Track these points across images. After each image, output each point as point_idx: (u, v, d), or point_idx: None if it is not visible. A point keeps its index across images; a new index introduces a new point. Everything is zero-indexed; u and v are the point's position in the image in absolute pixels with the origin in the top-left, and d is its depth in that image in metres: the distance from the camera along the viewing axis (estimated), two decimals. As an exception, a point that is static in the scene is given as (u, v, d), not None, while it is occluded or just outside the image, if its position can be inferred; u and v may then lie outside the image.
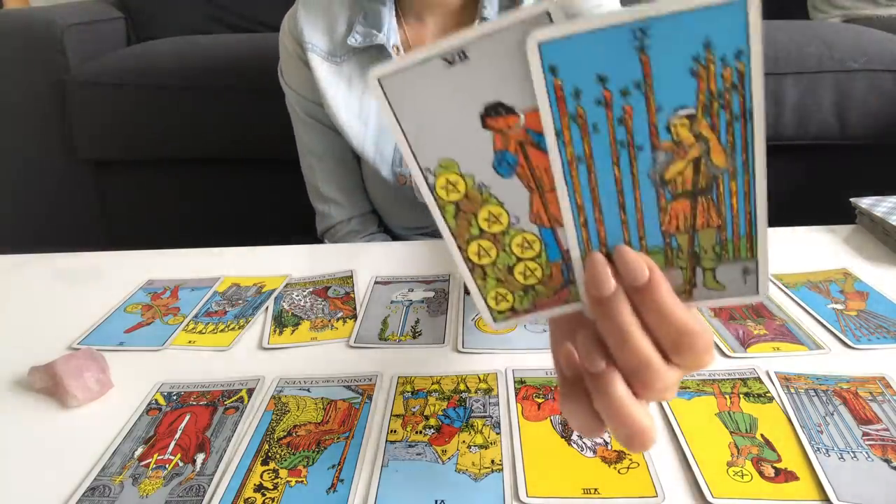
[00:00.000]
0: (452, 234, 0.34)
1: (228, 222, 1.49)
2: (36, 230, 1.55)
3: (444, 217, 0.33)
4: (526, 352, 0.53)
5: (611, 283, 0.31)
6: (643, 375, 0.30)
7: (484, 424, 0.45)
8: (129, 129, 1.41)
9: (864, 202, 0.73)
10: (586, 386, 0.32)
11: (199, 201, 1.51)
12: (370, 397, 0.48)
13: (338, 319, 0.60)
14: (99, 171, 1.49)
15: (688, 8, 0.26)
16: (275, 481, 0.40)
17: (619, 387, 0.30)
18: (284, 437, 0.44)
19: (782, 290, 0.61)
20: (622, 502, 0.38)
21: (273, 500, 0.39)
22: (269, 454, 0.43)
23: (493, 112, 0.30)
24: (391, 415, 0.46)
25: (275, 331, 0.58)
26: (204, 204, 1.51)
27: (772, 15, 1.62)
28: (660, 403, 0.46)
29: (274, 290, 0.65)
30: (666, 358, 0.30)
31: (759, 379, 0.48)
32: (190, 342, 0.57)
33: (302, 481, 0.40)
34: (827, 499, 0.37)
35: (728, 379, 0.48)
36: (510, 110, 0.30)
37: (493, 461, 0.41)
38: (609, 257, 0.31)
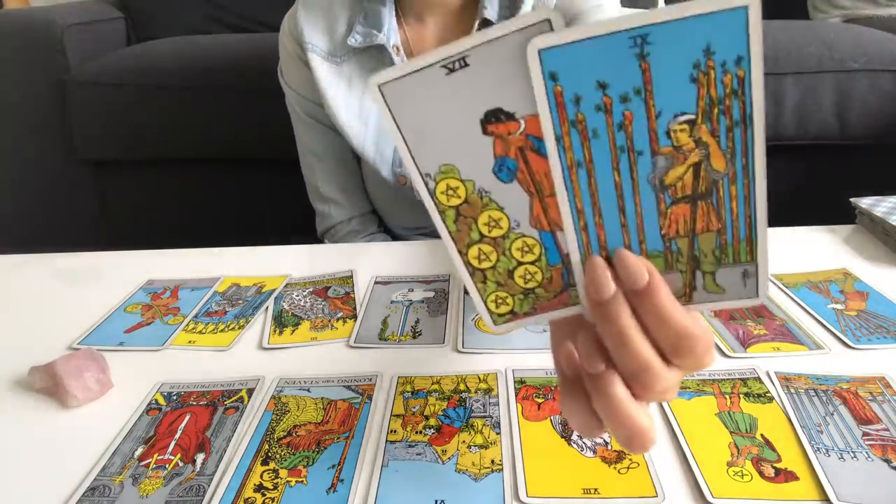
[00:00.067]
0: (453, 238, 0.34)
1: (228, 222, 1.49)
2: (36, 230, 1.55)
3: (444, 222, 0.34)
4: (526, 352, 0.53)
5: (610, 287, 0.31)
6: (642, 378, 0.30)
7: (484, 424, 0.45)
8: (129, 129, 1.41)
9: (864, 202, 0.73)
10: (586, 386, 0.32)
11: (198, 201, 1.51)
12: (370, 397, 0.48)
13: (338, 319, 0.60)
14: (98, 171, 1.48)
15: (688, 15, 0.27)
16: (275, 481, 0.40)
17: (619, 388, 0.30)
18: (284, 437, 0.44)
19: (782, 290, 0.61)
20: (622, 502, 0.38)
21: (273, 500, 0.39)
22: (269, 454, 0.43)
23: (494, 118, 0.31)
24: (391, 415, 0.46)
25: (275, 331, 0.58)
26: (204, 204, 1.51)
27: (772, 15, 1.62)
28: (660, 403, 0.46)
29: (274, 290, 0.65)
30: (666, 360, 0.31)
31: (759, 379, 0.48)
32: (190, 342, 0.57)
33: (302, 481, 0.40)
34: (827, 499, 0.37)
35: (728, 379, 0.48)
36: (510, 116, 0.30)
37: (493, 461, 0.41)
38: (609, 261, 0.32)
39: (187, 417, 0.47)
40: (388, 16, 0.82)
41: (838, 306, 0.58)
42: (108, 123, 1.41)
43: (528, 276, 0.34)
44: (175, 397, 0.49)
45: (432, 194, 0.33)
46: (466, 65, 0.29)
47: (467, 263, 0.35)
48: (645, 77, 0.28)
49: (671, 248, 0.32)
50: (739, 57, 0.27)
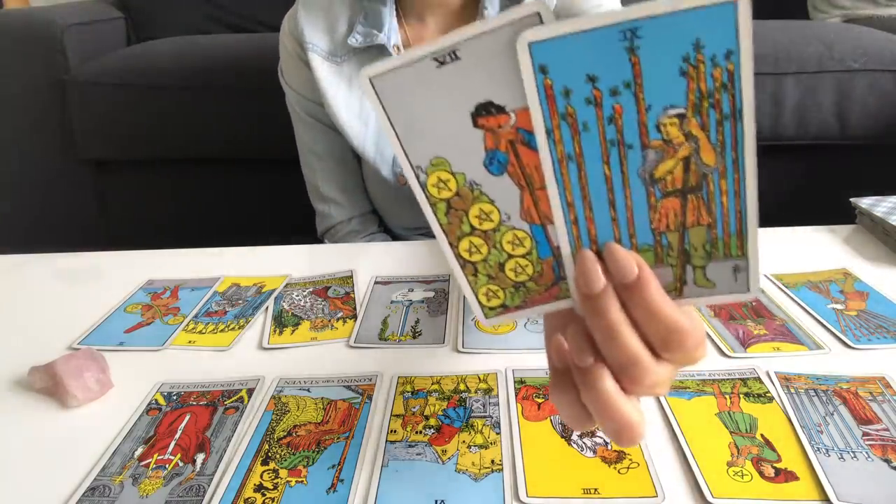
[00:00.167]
0: (444, 231, 0.34)
1: (228, 222, 1.49)
2: (36, 230, 1.55)
3: (435, 214, 0.34)
4: (526, 352, 0.53)
5: (600, 280, 0.31)
6: (631, 371, 0.30)
7: (484, 424, 0.45)
8: (129, 129, 1.41)
9: (864, 202, 0.73)
10: (575, 379, 0.32)
11: (199, 201, 1.51)
12: (370, 397, 0.48)
13: (338, 319, 0.60)
14: (99, 170, 1.48)
15: (678, 9, 0.27)
16: (275, 481, 0.40)
17: (607, 381, 0.30)
18: (284, 437, 0.44)
19: (782, 290, 0.61)
20: (622, 502, 0.38)
21: (273, 500, 0.39)
22: (269, 454, 0.43)
23: (484, 111, 0.31)
24: (391, 415, 0.46)
25: (275, 331, 0.58)
26: (204, 204, 1.51)
27: (772, 15, 1.62)
28: (660, 403, 0.46)
29: (274, 290, 0.65)
30: (656, 354, 0.31)
31: (759, 379, 0.48)
32: (190, 342, 0.57)
33: (302, 481, 0.40)
34: (827, 499, 0.37)
35: (728, 379, 0.48)
36: (501, 109, 0.30)
37: (493, 461, 0.41)
38: (599, 254, 0.32)
39: (187, 417, 0.47)
40: (389, 16, 0.82)
41: (838, 306, 0.58)
42: (108, 123, 1.41)
43: (519, 270, 0.35)
44: (175, 397, 0.49)
45: (423, 187, 0.33)
46: (457, 58, 0.29)
47: (458, 256, 0.35)
48: (635, 70, 0.28)
49: (661, 243, 0.32)
50: (729, 51, 0.27)
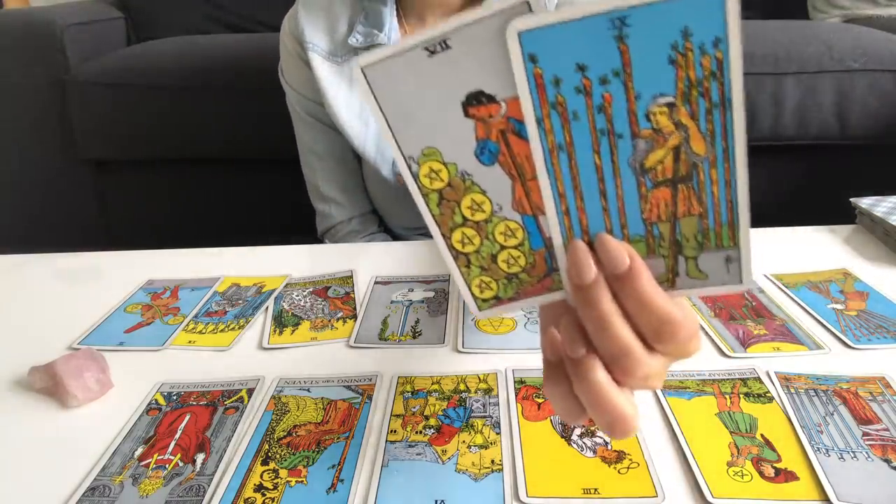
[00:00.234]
0: (436, 222, 0.34)
1: (228, 222, 1.49)
2: (36, 230, 1.55)
3: (427, 205, 0.34)
4: (526, 352, 0.53)
5: (592, 271, 0.31)
6: (623, 363, 0.30)
7: (484, 424, 0.45)
8: (129, 129, 1.41)
9: (864, 202, 0.73)
10: (567, 371, 0.32)
11: (199, 201, 1.51)
12: (370, 397, 0.48)
13: (338, 319, 0.60)
14: (99, 171, 1.49)
15: None
16: (275, 481, 0.40)
17: (599, 373, 0.30)
18: (284, 437, 0.44)
19: (782, 290, 0.61)
20: (622, 502, 0.38)
21: (273, 500, 0.39)
22: (269, 454, 0.43)
23: (475, 101, 0.31)
24: (391, 415, 0.46)
25: (275, 331, 0.58)
26: (204, 204, 1.51)
27: (772, 15, 1.62)
28: (660, 404, 0.46)
29: (274, 290, 0.65)
30: (649, 347, 0.31)
31: (759, 379, 0.48)
32: (190, 342, 0.57)
33: (302, 481, 0.40)
34: (827, 499, 0.37)
35: (728, 379, 0.48)
36: (491, 99, 0.30)
37: (493, 461, 0.41)
38: (591, 245, 0.32)
39: (187, 417, 0.47)
40: (389, 15, 0.82)
41: (838, 306, 0.58)
42: (108, 123, 1.41)
43: (512, 261, 0.35)
44: (175, 397, 0.49)
45: (416, 177, 0.33)
46: (448, 47, 0.29)
47: (451, 247, 0.35)
48: (624, 59, 0.28)
49: (653, 233, 0.32)
50: (717, 39, 0.27)
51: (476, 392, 0.48)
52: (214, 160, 1.43)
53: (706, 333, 0.55)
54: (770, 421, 0.44)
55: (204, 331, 0.59)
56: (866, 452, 0.40)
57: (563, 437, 0.43)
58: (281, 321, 0.60)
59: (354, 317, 0.60)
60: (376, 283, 0.66)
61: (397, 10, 0.83)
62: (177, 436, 0.45)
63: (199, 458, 0.43)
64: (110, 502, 0.40)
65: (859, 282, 0.62)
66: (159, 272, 0.70)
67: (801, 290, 0.61)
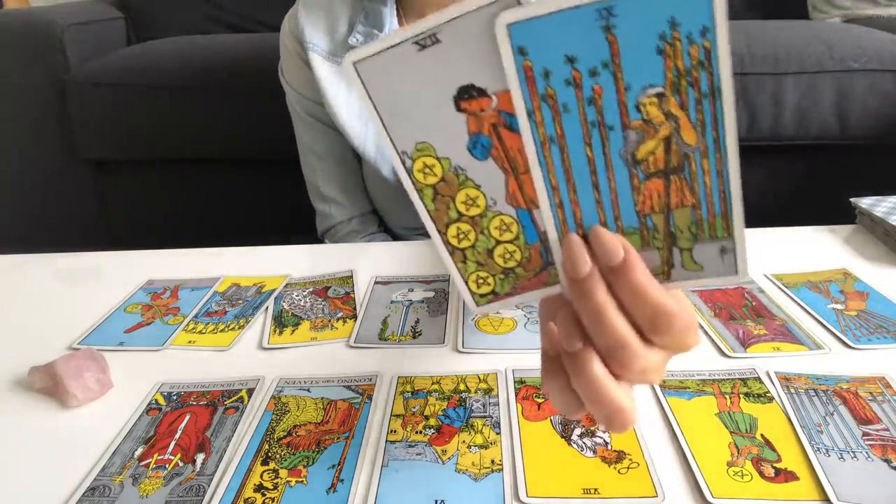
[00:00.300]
0: (432, 217, 0.34)
1: (228, 222, 1.49)
2: (36, 230, 1.55)
3: (422, 201, 0.34)
4: (526, 352, 0.53)
5: (586, 264, 0.31)
6: (619, 355, 0.30)
7: (484, 424, 0.45)
8: (129, 129, 1.41)
9: (864, 202, 0.73)
10: (565, 365, 0.32)
11: (198, 201, 1.51)
12: (370, 397, 0.48)
13: (338, 319, 0.60)
14: (99, 171, 1.48)
15: None
16: (275, 481, 0.40)
17: (596, 366, 0.30)
18: (284, 437, 0.44)
19: (782, 290, 0.61)
20: (622, 502, 0.38)
21: (273, 500, 0.39)
22: (269, 454, 0.43)
23: (466, 95, 0.31)
24: (391, 415, 0.46)
25: (275, 331, 0.58)
26: (204, 204, 1.51)
27: (772, 15, 1.62)
28: (660, 404, 0.46)
29: (274, 290, 0.65)
30: (646, 339, 0.31)
31: (759, 379, 0.48)
32: (190, 342, 0.57)
33: (302, 481, 0.40)
34: (827, 499, 0.37)
35: (728, 379, 0.48)
36: (482, 92, 0.30)
37: (493, 461, 0.41)
38: (586, 238, 0.32)
39: (187, 417, 0.47)
40: (390, 15, 0.82)
41: (838, 306, 0.58)
42: (108, 123, 1.41)
43: (508, 256, 0.35)
44: (175, 397, 0.49)
45: (410, 173, 0.33)
46: (438, 41, 0.29)
47: (447, 243, 0.35)
48: (612, 50, 0.28)
49: (647, 225, 0.32)
50: (705, 28, 0.27)
51: (476, 392, 0.48)
52: (214, 160, 1.43)
53: (706, 333, 0.55)
54: (770, 421, 0.44)
55: (204, 331, 0.59)
56: (866, 452, 0.40)
57: (563, 437, 0.43)
58: (281, 321, 0.60)
59: (354, 317, 0.60)
60: (376, 283, 0.66)
61: (397, 9, 0.83)
62: (177, 436, 0.45)
63: (199, 458, 0.43)
64: (110, 502, 0.40)
65: (859, 282, 0.62)
66: (159, 272, 0.70)
67: (801, 290, 0.61)
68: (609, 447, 0.42)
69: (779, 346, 0.52)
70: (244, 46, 1.43)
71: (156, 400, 0.49)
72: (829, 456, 0.40)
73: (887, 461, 0.40)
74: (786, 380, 0.48)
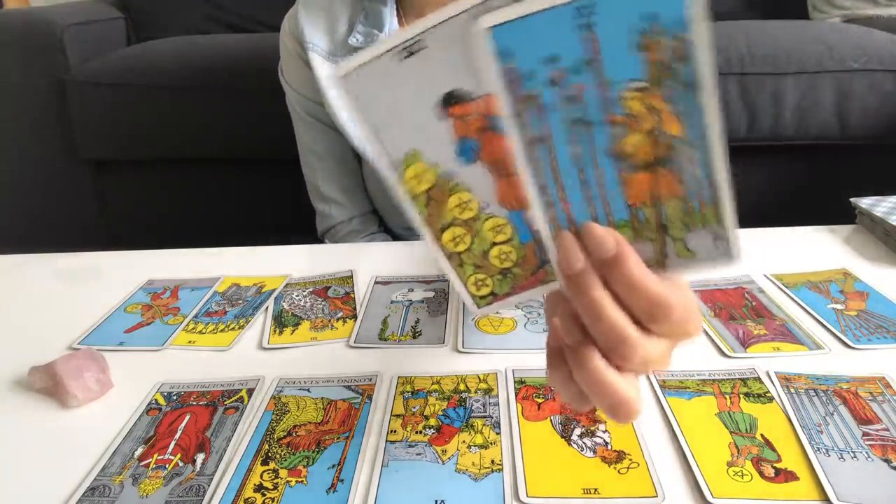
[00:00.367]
0: (426, 224, 0.34)
1: (228, 222, 1.49)
2: (36, 230, 1.55)
3: (416, 208, 0.34)
4: (526, 352, 0.53)
5: (580, 260, 0.31)
6: (620, 349, 0.30)
7: (484, 424, 0.45)
8: (129, 129, 1.41)
9: (864, 202, 0.73)
10: (567, 359, 0.32)
11: (198, 201, 1.51)
12: (370, 397, 0.48)
13: (338, 319, 0.60)
14: (99, 171, 1.49)
15: None
16: (275, 481, 0.40)
17: (596, 359, 0.31)
18: (284, 437, 0.44)
19: (782, 290, 0.61)
20: (622, 502, 0.38)
21: (273, 500, 0.39)
22: (269, 454, 0.43)
23: (451, 100, 0.31)
24: (391, 415, 0.46)
25: (275, 331, 0.58)
26: (204, 204, 1.51)
27: (772, 15, 1.62)
28: (660, 404, 0.46)
29: (274, 290, 0.65)
30: (646, 330, 0.31)
31: (759, 379, 0.48)
32: (190, 342, 0.57)
33: (302, 481, 0.40)
34: (827, 499, 0.37)
35: (728, 379, 0.48)
36: (467, 97, 0.31)
37: (493, 461, 0.41)
38: (579, 235, 0.32)
39: (187, 417, 0.47)
40: (389, 15, 0.82)
41: (838, 306, 0.58)
42: (108, 123, 1.41)
43: (504, 256, 0.35)
44: (175, 397, 0.49)
45: (402, 181, 0.33)
46: (422, 48, 0.30)
47: (443, 248, 0.35)
48: (593, 47, 0.28)
49: (638, 217, 0.32)
50: (683, 21, 0.27)
51: (476, 392, 0.48)
52: (215, 160, 1.43)
53: (706, 333, 0.55)
54: (770, 421, 0.44)
55: (204, 331, 0.59)
56: (866, 452, 0.40)
57: (563, 437, 0.43)
58: (281, 321, 0.60)
59: (354, 317, 0.60)
60: (376, 283, 0.66)
61: (397, 9, 0.83)
62: (177, 436, 0.45)
63: (199, 458, 0.43)
64: (110, 502, 0.40)
65: (859, 282, 0.62)
66: (159, 272, 0.70)
67: (801, 290, 0.61)
68: (609, 447, 0.42)
69: (779, 346, 0.52)
70: (244, 46, 1.43)
71: (156, 400, 0.49)
72: (829, 456, 0.40)
73: (887, 461, 0.40)
74: (786, 380, 0.48)
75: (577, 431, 0.43)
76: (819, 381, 0.47)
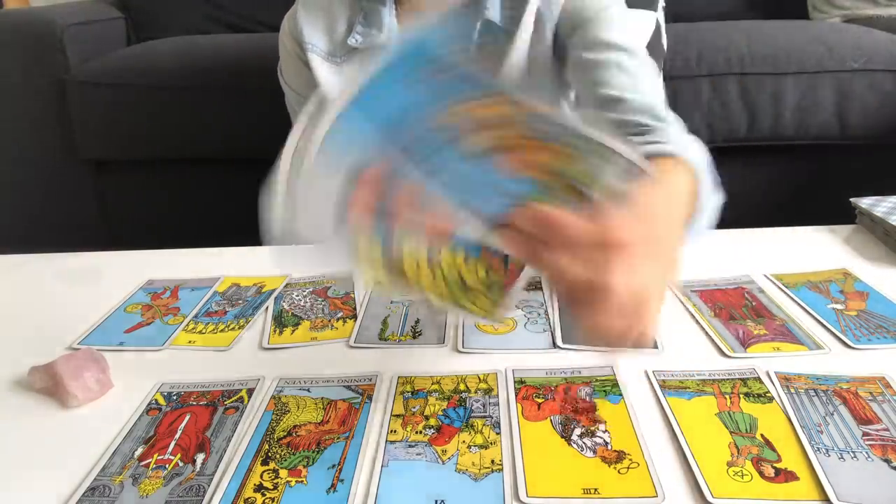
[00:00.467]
0: (409, 287, 0.38)
1: (228, 222, 1.49)
2: (36, 230, 1.55)
3: (403, 290, 0.39)
4: (526, 352, 0.53)
5: (521, 245, 0.36)
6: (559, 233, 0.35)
7: (484, 424, 0.45)
8: (129, 129, 1.41)
9: (864, 202, 0.73)
10: (577, 296, 0.36)
11: (198, 201, 1.51)
12: (370, 397, 0.48)
13: (338, 319, 0.60)
14: (99, 171, 1.48)
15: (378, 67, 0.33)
16: (275, 481, 0.40)
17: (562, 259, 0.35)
18: (284, 437, 0.44)
19: (782, 290, 0.61)
20: (622, 502, 0.38)
21: (273, 500, 0.39)
22: (269, 454, 0.43)
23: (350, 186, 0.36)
24: (391, 415, 0.46)
25: (275, 331, 0.58)
26: (204, 204, 1.51)
27: (772, 15, 1.62)
28: (659, 403, 0.46)
29: (274, 290, 0.65)
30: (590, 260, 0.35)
31: (759, 379, 0.48)
32: (190, 342, 0.57)
33: (302, 481, 0.40)
34: (827, 499, 0.37)
35: (728, 379, 0.48)
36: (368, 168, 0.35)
37: (493, 461, 0.41)
38: (509, 225, 0.36)
39: (187, 417, 0.47)
40: (388, 16, 0.82)
41: (838, 306, 0.58)
42: (108, 123, 1.41)
43: (476, 272, 0.39)
44: (175, 397, 0.49)
45: (368, 285, 0.39)
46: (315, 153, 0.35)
47: (435, 299, 0.39)
48: (419, 98, 0.34)
49: (546, 186, 0.36)
50: (466, 46, 0.33)
51: (476, 392, 0.48)
52: (214, 160, 1.43)
53: (706, 333, 0.55)
54: (770, 421, 0.44)
55: (204, 331, 0.59)
56: (866, 452, 0.40)
57: (563, 437, 0.43)
58: (281, 321, 0.60)
59: (354, 317, 0.60)
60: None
61: (396, 10, 0.83)
62: (177, 436, 0.45)
63: (199, 458, 0.43)
64: (110, 502, 0.40)
65: (859, 282, 0.62)
66: (159, 272, 0.70)
67: (801, 290, 0.61)
68: (609, 447, 0.42)
69: (779, 346, 0.52)
70: (244, 46, 1.43)
71: (156, 400, 0.49)
72: (829, 456, 0.40)
73: (887, 461, 0.40)
74: (786, 380, 0.48)
75: (577, 431, 0.43)
76: (819, 381, 0.47)
